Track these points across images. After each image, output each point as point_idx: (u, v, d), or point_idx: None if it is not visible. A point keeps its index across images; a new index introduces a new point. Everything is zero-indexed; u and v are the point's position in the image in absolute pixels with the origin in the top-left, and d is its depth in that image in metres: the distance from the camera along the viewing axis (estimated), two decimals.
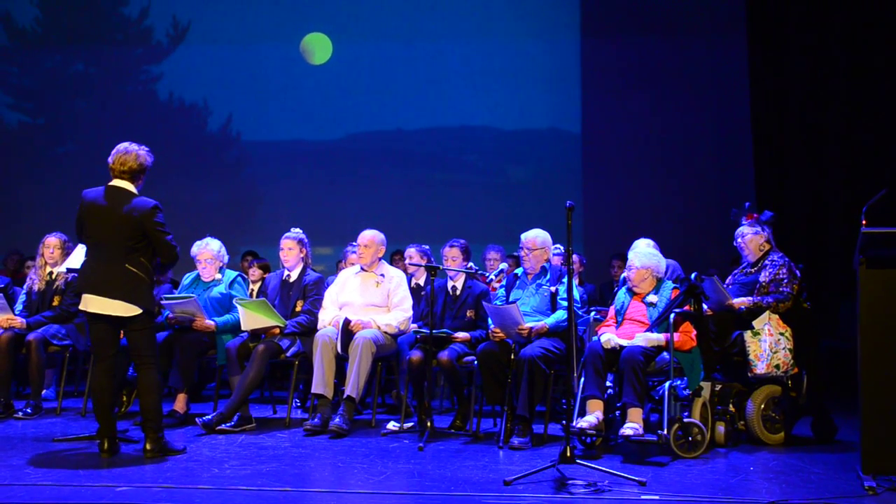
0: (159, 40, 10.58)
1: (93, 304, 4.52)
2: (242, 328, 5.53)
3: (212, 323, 5.63)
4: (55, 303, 6.07)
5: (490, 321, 5.23)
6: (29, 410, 5.75)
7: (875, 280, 3.96)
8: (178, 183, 9.28)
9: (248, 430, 5.32)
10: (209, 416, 5.27)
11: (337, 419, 5.16)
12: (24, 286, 6.28)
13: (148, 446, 4.50)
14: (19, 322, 5.93)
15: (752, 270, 5.32)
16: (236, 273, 6.06)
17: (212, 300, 5.79)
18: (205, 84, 10.35)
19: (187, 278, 6.03)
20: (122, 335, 4.68)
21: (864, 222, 4.00)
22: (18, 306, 6.16)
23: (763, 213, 5.46)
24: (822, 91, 8.50)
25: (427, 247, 6.24)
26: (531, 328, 5.04)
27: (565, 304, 4.81)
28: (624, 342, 4.83)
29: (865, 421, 3.91)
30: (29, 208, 10.01)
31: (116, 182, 4.59)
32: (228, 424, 5.27)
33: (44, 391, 6.10)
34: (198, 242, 5.94)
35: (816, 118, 8.52)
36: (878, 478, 3.89)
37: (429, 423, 5.07)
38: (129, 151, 4.59)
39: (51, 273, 6.14)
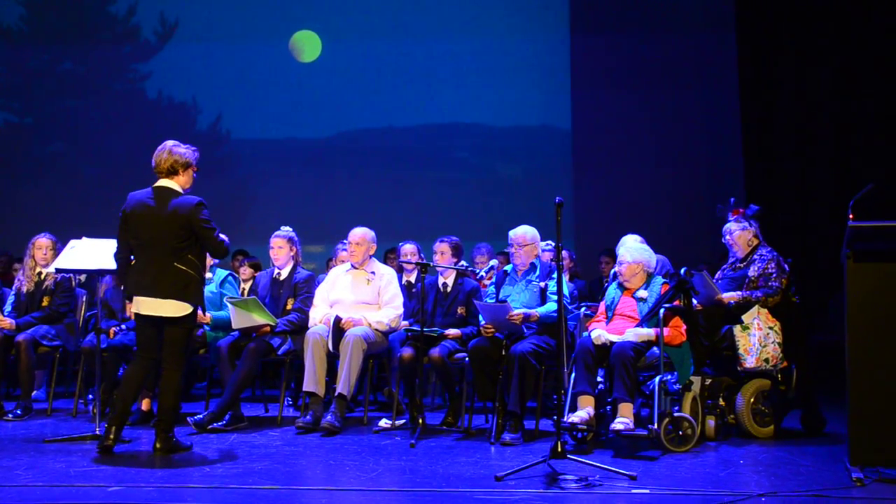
0: (147, 38, 10.55)
1: (145, 306, 4.55)
2: (233, 327, 5.52)
3: (207, 315, 5.62)
4: (45, 303, 6.06)
5: (481, 318, 5.24)
6: (19, 412, 5.74)
7: (862, 274, 3.98)
8: None
9: (239, 429, 5.32)
10: (200, 415, 5.27)
11: (329, 416, 5.17)
12: (13, 287, 6.26)
13: (158, 444, 4.56)
14: (8, 323, 5.91)
15: (741, 265, 5.35)
16: (227, 272, 6.06)
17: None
18: (194, 82, 10.32)
19: None
20: None
21: (851, 216, 4.03)
22: (7, 307, 6.14)
23: (748, 208, 5.48)
24: (810, 86, 8.56)
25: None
26: (523, 314, 5.06)
27: (555, 297, 4.83)
28: (614, 338, 4.85)
29: (853, 414, 3.94)
30: (16, 208, 9.97)
31: (162, 182, 4.62)
32: (220, 423, 5.28)
33: (34, 392, 6.09)
34: None
35: (805, 113, 8.58)
36: (866, 469, 3.93)
37: (420, 420, 5.09)
38: (165, 148, 4.63)
39: (40, 273, 6.12)
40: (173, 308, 4.53)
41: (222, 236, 4.65)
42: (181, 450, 4.59)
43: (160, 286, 4.51)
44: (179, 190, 4.61)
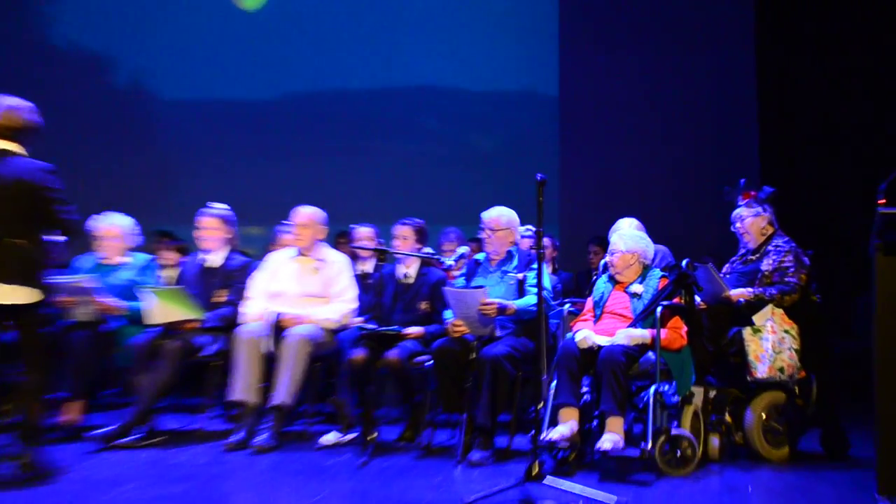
0: None
1: None
2: (151, 321, 5.47)
3: (118, 304, 5.55)
4: None
5: (450, 312, 5.21)
6: None
7: (894, 269, 3.98)
8: (78, 148, 9.12)
9: (155, 445, 5.28)
10: (107, 428, 5.20)
11: (262, 435, 5.16)
12: None
13: (26, 461, 4.40)
14: None
15: (753, 258, 5.38)
16: (150, 256, 6.03)
17: (116, 288, 5.71)
18: (110, 30, 10.23)
19: (86, 262, 5.91)
20: None
21: (881, 202, 4.03)
22: None
23: (762, 191, 5.50)
24: (838, 46, 8.58)
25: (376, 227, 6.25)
26: (497, 305, 5.04)
27: (535, 291, 4.81)
28: (603, 340, 4.85)
29: (882, 434, 3.95)
30: None
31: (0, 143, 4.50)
32: (131, 438, 5.23)
33: None
34: (100, 217, 5.85)
35: (829, 82, 8.63)
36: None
37: (373, 435, 5.11)
38: (17, 108, 4.52)
39: None
40: (22, 294, 4.39)
41: (74, 214, 4.54)
42: (44, 475, 4.37)
43: (4, 269, 4.37)
44: (23, 152, 4.52)
